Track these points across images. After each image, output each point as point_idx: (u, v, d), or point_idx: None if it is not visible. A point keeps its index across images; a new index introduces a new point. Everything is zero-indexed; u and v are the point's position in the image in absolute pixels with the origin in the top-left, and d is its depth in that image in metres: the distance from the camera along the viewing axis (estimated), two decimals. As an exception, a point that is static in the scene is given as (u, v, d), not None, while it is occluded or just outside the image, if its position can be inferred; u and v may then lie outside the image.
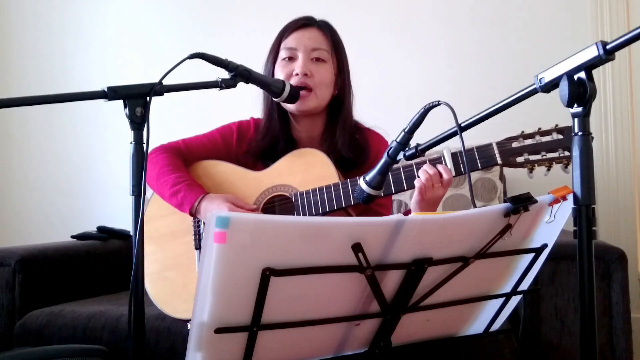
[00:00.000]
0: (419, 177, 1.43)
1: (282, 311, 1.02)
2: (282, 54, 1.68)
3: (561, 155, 1.33)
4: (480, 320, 1.28)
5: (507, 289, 1.21)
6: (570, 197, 0.97)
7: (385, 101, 2.69)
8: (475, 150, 1.41)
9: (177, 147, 1.76)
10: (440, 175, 1.42)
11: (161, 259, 1.70)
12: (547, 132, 1.36)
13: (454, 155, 1.43)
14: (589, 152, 0.91)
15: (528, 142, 1.37)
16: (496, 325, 1.30)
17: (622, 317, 1.68)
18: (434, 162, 1.45)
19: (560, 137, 1.34)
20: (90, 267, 2.31)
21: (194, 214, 1.62)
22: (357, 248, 0.96)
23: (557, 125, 1.36)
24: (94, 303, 1.99)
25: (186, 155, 1.75)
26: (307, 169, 1.62)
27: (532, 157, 1.36)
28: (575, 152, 0.91)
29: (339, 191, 1.54)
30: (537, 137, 1.36)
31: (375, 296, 1.05)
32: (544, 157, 1.35)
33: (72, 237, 2.48)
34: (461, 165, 1.42)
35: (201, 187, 1.64)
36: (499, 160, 1.39)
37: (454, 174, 1.43)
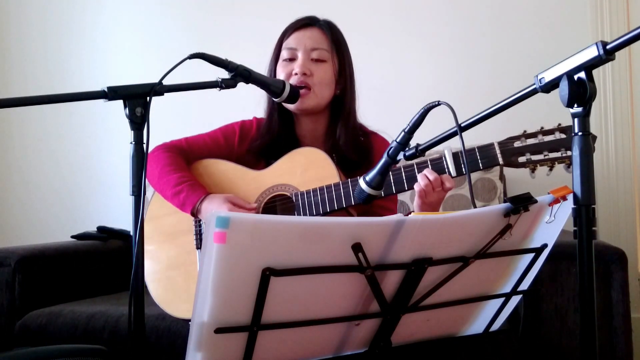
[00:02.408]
0: (419, 182, 1.42)
1: (282, 311, 1.02)
2: (283, 54, 1.69)
3: (564, 155, 1.31)
4: (480, 320, 1.28)
5: (507, 289, 1.20)
6: (570, 197, 0.96)
7: (387, 101, 2.68)
8: (476, 150, 1.40)
9: (180, 145, 1.76)
10: (442, 181, 1.41)
11: (163, 258, 1.70)
12: (550, 132, 1.34)
13: (455, 155, 1.42)
14: (589, 152, 0.91)
15: (530, 141, 1.35)
16: (496, 325, 1.30)
17: (622, 317, 1.68)
18: (435, 162, 1.44)
19: (563, 136, 1.32)
20: (90, 267, 2.31)
21: (195, 214, 1.62)
22: (357, 248, 0.96)
23: (559, 124, 1.34)
24: (94, 303, 1.99)
25: (188, 154, 1.75)
26: (307, 169, 1.62)
27: (535, 157, 1.34)
28: (575, 152, 0.91)
29: (339, 191, 1.54)
30: (540, 137, 1.34)
31: (375, 296, 1.05)
32: (546, 157, 1.33)
33: (72, 237, 2.48)
34: (462, 166, 1.42)
35: (203, 188, 1.64)
36: (500, 161, 1.37)
37: (455, 174, 1.42)
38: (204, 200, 1.59)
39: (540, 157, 1.34)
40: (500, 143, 1.38)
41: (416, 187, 1.43)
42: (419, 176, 1.42)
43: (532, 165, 1.35)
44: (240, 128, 1.79)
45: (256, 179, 1.67)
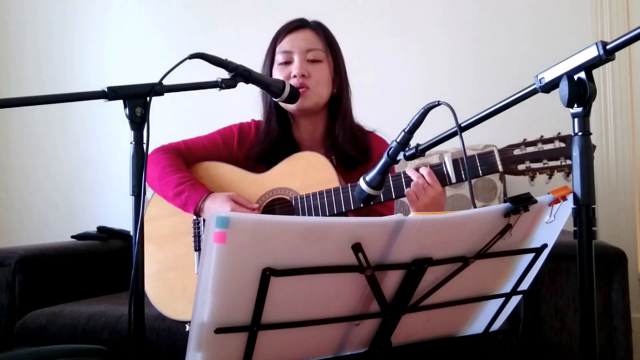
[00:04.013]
0: (409, 187, 1.44)
1: (282, 311, 1.02)
2: (279, 58, 1.69)
3: (563, 163, 1.34)
4: (480, 320, 1.28)
5: (507, 289, 1.21)
6: (570, 197, 0.97)
7: (386, 101, 2.68)
8: (476, 157, 1.42)
9: (178, 147, 1.76)
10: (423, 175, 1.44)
11: (161, 260, 1.69)
12: (549, 140, 1.36)
13: (454, 162, 1.44)
14: (589, 152, 0.91)
15: (530, 149, 1.37)
16: (496, 325, 1.30)
17: (622, 317, 1.68)
18: (435, 168, 1.46)
19: (563, 145, 1.34)
20: (90, 267, 2.31)
21: (198, 213, 1.62)
22: (357, 248, 0.96)
23: (559, 133, 1.36)
24: (94, 303, 1.99)
25: (187, 156, 1.75)
26: (307, 173, 1.62)
27: (534, 165, 1.36)
28: (575, 152, 0.91)
29: (339, 195, 1.54)
30: (539, 145, 1.36)
31: (375, 296, 1.05)
32: (545, 165, 1.35)
33: (72, 237, 2.48)
34: (462, 170, 1.43)
35: (205, 187, 1.64)
36: (500, 168, 1.39)
37: (455, 180, 1.43)
38: (207, 199, 1.60)
39: (539, 165, 1.36)
40: (500, 150, 1.40)
41: (406, 192, 1.46)
42: (413, 173, 1.45)
43: (532, 173, 1.37)
44: (238, 131, 1.79)
45: (256, 181, 1.67)
